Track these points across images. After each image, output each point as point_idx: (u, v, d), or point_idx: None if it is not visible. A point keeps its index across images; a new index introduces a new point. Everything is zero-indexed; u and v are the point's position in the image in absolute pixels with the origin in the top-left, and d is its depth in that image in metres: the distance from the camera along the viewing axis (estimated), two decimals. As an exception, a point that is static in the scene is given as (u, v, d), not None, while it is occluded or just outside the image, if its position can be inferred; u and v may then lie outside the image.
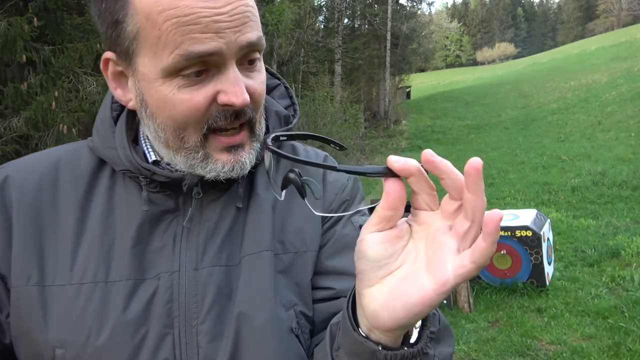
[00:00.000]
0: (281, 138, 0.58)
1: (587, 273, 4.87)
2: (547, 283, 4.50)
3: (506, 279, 4.54)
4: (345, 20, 21.96)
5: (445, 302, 4.19)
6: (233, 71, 0.63)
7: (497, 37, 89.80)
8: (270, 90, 0.84)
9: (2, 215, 0.69)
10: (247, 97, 0.63)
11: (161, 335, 0.67)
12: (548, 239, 4.68)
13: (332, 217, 0.79)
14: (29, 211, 0.70)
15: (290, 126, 0.80)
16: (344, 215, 0.79)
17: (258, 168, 0.76)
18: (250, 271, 0.71)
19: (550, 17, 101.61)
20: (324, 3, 22.67)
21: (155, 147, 0.71)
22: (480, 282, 4.66)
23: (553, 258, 4.92)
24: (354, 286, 0.55)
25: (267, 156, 0.57)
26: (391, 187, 0.46)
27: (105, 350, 0.65)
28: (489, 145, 14.62)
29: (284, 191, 0.56)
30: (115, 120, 0.75)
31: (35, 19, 5.72)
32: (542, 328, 3.86)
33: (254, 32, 0.64)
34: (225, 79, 0.63)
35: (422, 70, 52.21)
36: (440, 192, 0.48)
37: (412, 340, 0.53)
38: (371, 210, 0.51)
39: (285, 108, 0.83)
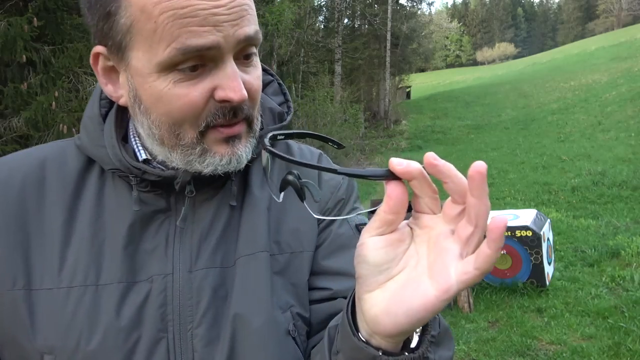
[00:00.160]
0: (279, 137, 0.57)
1: (587, 273, 4.87)
2: (547, 283, 4.50)
3: (506, 279, 4.54)
4: (345, 20, 21.96)
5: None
6: (230, 66, 0.61)
7: (497, 37, 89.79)
8: (263, 86, 0.81)
9: None
10: (245, 92, 0.61)
11: (155, 340, 0.65)
12: (548, 239, 4.68)
13: (329, 217, 0.77)
14: (13, 211, 0.67)
15: (284, 123, 0.78)
16: (341, 215, 0.78)
17: (252, 166, 0.74)
18: (245, 273, 0.69)
19: (550, 17, 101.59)
20: (324, 3, 22.67)
21: (148, 144, 0.69)
22: (480, 282, 4.66)
23: (553, 258, 4.92)
24: (354, 290, 0.54)
25: (265, 156, 0.55)
26: (393, 191, 0.45)
27: (97, 356, 0.63)
28: (489, 145, 14.62)
29: (282, 193, 0.55)
30: (104, 117, 0.72)
31: (35, 19, 5.72)
32: (542, 328, 3.86)
33: (252, 26, 0.62)
34: (222, 73, 0.61)
35: (422, 70, 52.20)
36: (442, 195, 0.47)
37: (413, 344, 0.52)
38: (371, 213, 0.50)
39: (279, 105, 0.81)
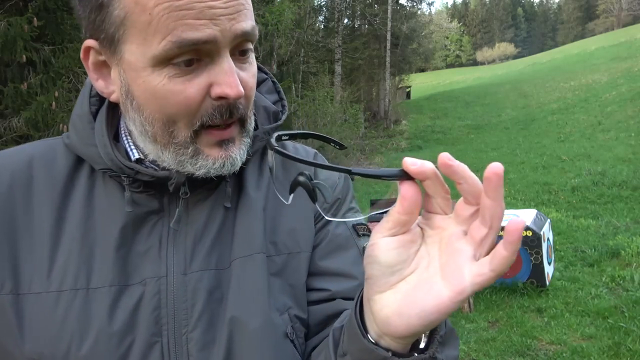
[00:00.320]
0: (283, 138, 0.56)
1: (587, 273, 4.87)
2: (547, 283, 4.50)
3: (506, 279, 4.54)
4: (345, 20, 21.96)
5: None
6: (227, 61, 0.59)
7: (497, 37, 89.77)
8: (257, 85, 0.80)
9: None
10: (242, 88, 0.59)
11: (149, 344, 0.63)
12: (548, 239, 4.68)
13: (324, 217, 0.75)
14: (0, 212, 0.64)
15: (279, 122, 0.76)
16: (337, 214, 0.77)
17: (247, 167, 0.73)
18: (241, 274, 0.67)
19: (550, 17, 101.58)
20: (324, 3, 22.67)
21: (140, 142, 0.66)
22: (480, 282, 4.66)
23: (553, 258, 4.92)
24: (361, 290, 0.53)
25: (271, 156, 0.55)
26: (407, 191, 0.44)
27: None
28: (489, 145, 14.61)
29: (291, 195, 0.54)
30: (94, 115, 0.69)
31: (35, 19, 5.71)
32: (542, 328, 3.86)
33: (248, 21, 0.60)
34: (218, 69, 0.59)
35: (422, 70, 52.19)
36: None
37: (421, 345, 0.52)
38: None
39: (273, 103, 0.79)
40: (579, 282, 4.65)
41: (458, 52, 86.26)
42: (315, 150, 0.80)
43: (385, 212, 0.48)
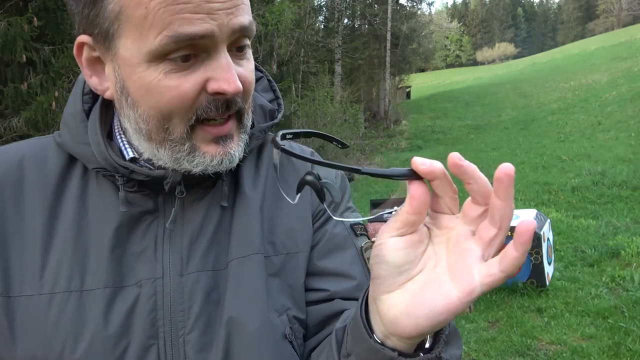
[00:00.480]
0: (287, 136, 0.55)
1: (587, 273, 4.87)
2: (547, 283, 4.50)
3: (501, 283, 4.53)
4: (345, 20, 21.95)
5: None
6: (224, 56, 0.58)
7: (497, 37, 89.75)
8: None
9: None
10: (240, 84, 0.58)
11: (145, 347, 0.62)
12: (548, 239, 4.68)
13: (323, 216, 0.75)
14: None
15: (275, 121, 0.76)
16: (342, 216, 0.76)
17: (243, 165, 0.72)
18: (239, 275, 0.66)
19: (550, 17, 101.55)
20: (324, 3, 22.67)
21: (135, 140, 0.65)
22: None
23: (553, 258, 4.92)
24: (365, 290, 0.53)
25: (276, 154, 0.54)
26: (416, 191, 0.44)
27: None
28: (489, 145, 14.61)
29: (298, 195, 0.53)
30: (87, 113, 0.68)
31: (35, 19, 5.71)
32: (542, 328, 3.86)
33: (246, 16, 0.59)
34: (215, 64, 0.58)
35: (422, 70, 52.17)
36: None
37: (426, 345, 0.52)
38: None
39: (269, 102, 0.78)
40: (579, 282, 4.64)
41: (458, 52, 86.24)
42: (312, 149, 0.80)
43: (390, 212, 0.48)
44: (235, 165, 0.64)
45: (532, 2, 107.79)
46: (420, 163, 0.43)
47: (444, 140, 17.21)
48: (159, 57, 0.56)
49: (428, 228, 0.48)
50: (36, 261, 0.63)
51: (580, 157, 10.72)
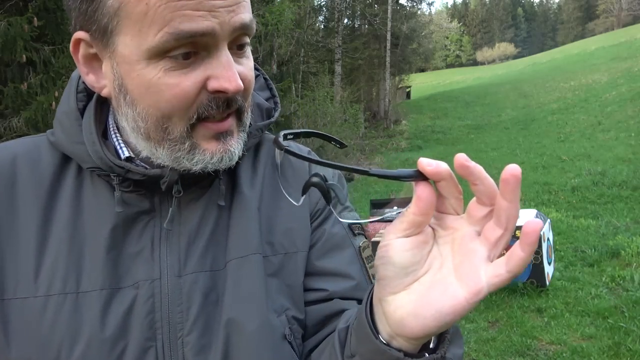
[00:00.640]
0: (288, 136, 0.55)
1: (587, 273, 4.87)
2: (547, 283, 4.50)
3: (508, 284, 4.53)
4: (345, 20, 21.95)
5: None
6: (225, 54, 0.57)
7: (497, 37, 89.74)
8: None
9: None
10: (241, 82, 0.58)
11: (143, 349, 0.61)
12: (548, 239, 4.67)
13: (321, 216, 0.75)
14: None
15: (272, 120, 0.75)
16: (333, 214, 0.75)
17: (241, 163, 0.71)
18: (237, 276, 0.66)
19: (550, 17, 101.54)
20: (324, 3, 22.67)
21: (132, 139, 0.64)
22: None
23: (553, 258, 4.92)
24: (370, 291, 0.53)
25: (279, 155, 0.54)
26: (423, 192, 0.44)
27: None
28: (489, 145, 14.61)
29: (303, 197, 0.53)
30: (82, 112, 0.67)
31: (35, 18, 5.71)
32: (542, 328, 3.86)
33: (247, 14, 0.59)
34: (216, 62, 0.57)
35: (422, 70, 52.16)
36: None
37: (431, 345, 0.52)
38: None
39: (266, 100, 0.77)
40: (579, 282, 4.64)
41: (458, 52, 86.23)
42: (309, 149, 0.79)
43: (391, 212, 0.48)
44: (234, 162, 0.63)
45: (532, 2, 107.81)
46: (427, 164, 0.43)
47: (444, 140, 17.20)
48: (159, 54, 0.56)
49: (433, 229, 0.48)
50: (30, 263, 0.61)
51: (580, 157, 10.72)
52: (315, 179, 0.50)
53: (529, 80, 26.98)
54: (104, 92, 0.63)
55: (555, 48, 62.32)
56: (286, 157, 0.65)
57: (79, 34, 0.60)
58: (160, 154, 0.62)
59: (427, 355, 0.50)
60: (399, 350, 0.49)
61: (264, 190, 0.73)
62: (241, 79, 0.59)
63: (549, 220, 4.94)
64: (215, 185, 0.69)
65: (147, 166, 0.66)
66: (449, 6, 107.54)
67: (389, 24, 21.24)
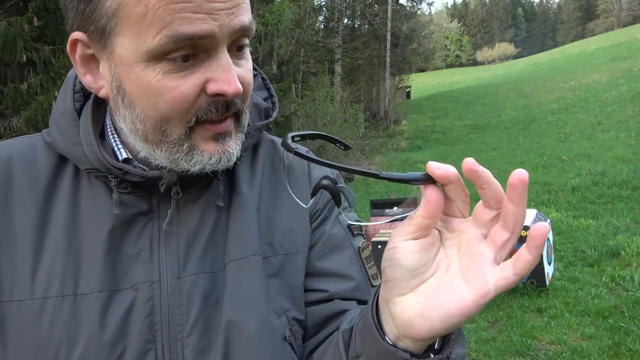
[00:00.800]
0: (295, 139, 0.55)
1: (587, 273, 4.87)
2: (547, 283, 4.50)
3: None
4: (345, 20, 21.95)
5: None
6: (225, 57, 0.57)
7: (497, 37, 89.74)
8: None
9: None
10: (240, 85, 0.57)
11: (142, 351, 0.61)
12: (548, 239, 4.68)
13: (320, 216, 0.75)
14: None
15: (270, 120, 0.75)
16: (332, 215, 0.76)
17: (239, 164, 0.71)
18: (237, 277, 0.65)
19: (550, 17, 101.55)
20: (324, 3, 22.67)
21: (130, 140, 0.63)
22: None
23: (553, 258, 4.92)
24: (376, 292, 0.53)
25: (287, 157, 0.54)
26: (432, 195, 0.45)
27: None
28: (489, 145, 14.61)
29: (312, 200, 0.54)
30: (79, 112, 0.66)
31: (35, 19, 5.70)
32: (542, 328, 3.86)
33: (247, 15, 0.58)
34: (216, 65, 0.56)
35: (422, 70, 52.17)
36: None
37: (436, 346, 0.52)
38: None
39: (264, 100, 0.77)
40: (579, 282, 4.64)
41: (458, 52, 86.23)
42: (307, 149, 0.80)
43: (399, 216, 0.49)
44: (232, 163, 0.63)
45: (532, 2, 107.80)
46: (436, 167, 0.44)
47: (444, 140, 17.21)
48: (158, 56, 0.55)
49: (439, 231, 0.48)
50: (27, 264, 0.61)
51: (580, 157, 10.72)
52: (325, 182, 0.50)
53: (529, 80, 26.99)
54: (102, 93, 0.62)
55: (555, 48, 62.34)
56: (284, 158, 0.65)
57: (76, 35, 0.59)
58: (159, 155, 0.61)
59: (432, 355, 0.50)
60: (405, 351, 0.49)
61: (263, 190, 0.73)
62: (240, 81, 0.58)
63: (549, 220, 4.94)
64: (213, 186, 0.68)
65: (145, 167, 0.65)
66: (449, 6, 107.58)
67: (389, 24, 21.24)
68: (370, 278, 0.75)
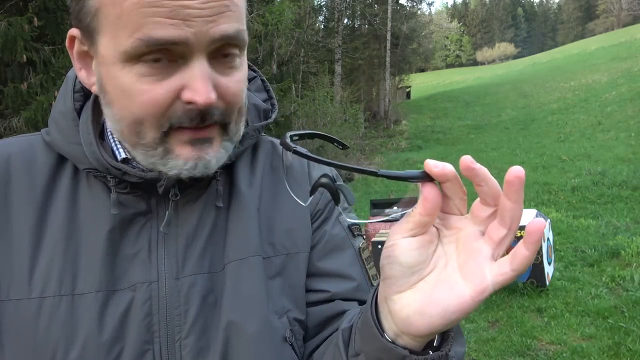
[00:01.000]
0: (294, 138, 0.55)
1: (587, 273, 4.87)
2: (547, 283, 4.50)
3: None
4: (345, 20, 21.96)
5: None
6: (200, 65, 0.55)
7: (497, 37, 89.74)
8: None
9: None
10: (213, 95, 0.56)
11: (140, 352, 0.60)
12: (548, 239, 4.68)
13: (321, 216, 0.75)
14: None
15: (269, 120, 0.75)
16: (332, 215, 0.76)
17: (239, 163, 0.71)
18: (236, 278, 0.65)
19: (550, 17, 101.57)
20: (324, 3, 22.67)
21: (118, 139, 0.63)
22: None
23: (553, 258, 4.92)
24: (375, 290, 0.53)
25: (289, 156, 0.54)
26: (429, 193, 0.45)
27: None
28: (489, 145, 14.61)
29: (311, 197, 0.53)
30: (78, 112, 0.66)
31: (35, 19, 5.71)
32: (542, 328, 3.86)
33: (232, 24, 0.56)
34: (191, 73, 0.55)
35: (422, 70, 52.17)
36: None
37: (435, 343, 0.52)
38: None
39: (263, 102, 0.77)
40: (579, 282, 4.64)
41: (458, 52, 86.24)
42: (306, 149, 0.79)
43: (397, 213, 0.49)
44: (212, 172, 0.61)
45: (532, 2, 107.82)
46: (434, 165, 0.44)
47: (444, 140, 17.21)
48: (133, 58, 0.55)
49: (437, 229, 0.49)
50: (24, 263, 0.60)
51: (580, 157, 10.72)
52: (324, 180, 0.50)
53: (529, 80, 26.99)
54: (94, 90, 0.63)
55: (555, 48, 62.35)
56: (283, 158, 0.65)
57: (72, 31, 0.61)
58: (137, 157, 0.61)
59: (431, 352, 0.51)
60: (404, 348, 0.50)
61: (263, 190, 0.72)
62: (222, 91, 0.57)
63: (549, 220, 4.94)
64: (212, 186, 0.68)
65: (144, 168, 0.64)
66: (449, 6, 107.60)
67: (389, 24, 21.25)
68: (371, 279, 0.76)
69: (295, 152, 0.50)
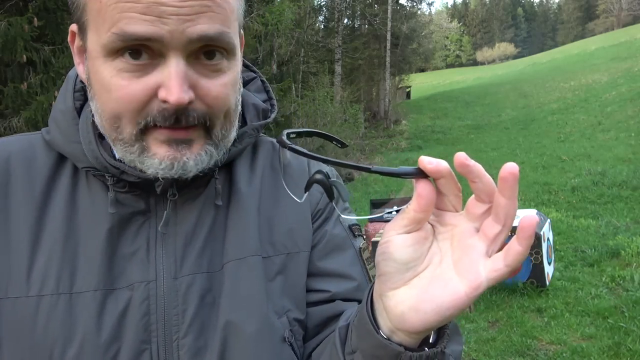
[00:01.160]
0: (291, 136, 0.55)
1: (587, 273, 4.87)
2: (547, 283, 4.50)
3: (506, 279, 4.53)
4: (345, 20, 21.96)
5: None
6: (175, 64, 0.55)
7: (497, 37, 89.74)
8: (245, 83, 0.77)
9: None
10: (186, 96, 0.55)
11: (137, 351, 0.60)
12: (548, 239, 4.68)
13: (322, 216, 0.75)
14: None
15: (269, 120, 0.75)
16: (333, 215, 0.76)
17: (239, 161, 0.71)
18: (235, 278, 0.65)
19: (550, 17, 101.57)
20: (324, 3, 22.67)
21: None
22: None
23: (553, 258, 4.92)
24: (371, 287, 0.54)
25: (286, 154, 0.54)
26: (424, 189, 0.45)
27: None
28: (489, 145, 14.61)
29: (306, 194, 0.53)
30: (79, 111, 0.66)
31: (35, 19, 5.71)
32: (542, 328, 3.86)
33: (214, 25, 0.55)
34: (166, 71, 0.55)
35: (422, 70, 52.17)
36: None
37: (431, 340, 0.53)
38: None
39: (263, 102, 0.77)
40: (579, 282, 4.64)
41: (458, 52, 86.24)
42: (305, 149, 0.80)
43: (390, 212, 0.49)
44: (190, 175, 0.60)
45: (532, 2, 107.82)
46: (428, 162, 0.44)
47: (444, 140, 17.21)
48: (112, 53, 0.55)
49: (432, 225, 0.49)
50: (23, 262, 0.60)
51: (580, 157, 10.72)
52: (318, 176, 0.50)
53: (529, 80, 27.00)
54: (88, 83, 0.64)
55: (555, 48, 62.35)
56: (284, 157, 0.65)
57: (73, 27, 0.63)
58: (118, 153, 0.61)
59: (426, 349, 0.51)
60: (400, 344, 0.50)
61: (263, 190, 0.72)
62: (202, 93, 0.57)
63: (549, 220, 4.94)
64: (211, 185, 0.68)
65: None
66: (449, 6, 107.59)
67: (389, 24, 21.25)
68: (371, 279, 0.75)
69: (291, 149, 0.50)
